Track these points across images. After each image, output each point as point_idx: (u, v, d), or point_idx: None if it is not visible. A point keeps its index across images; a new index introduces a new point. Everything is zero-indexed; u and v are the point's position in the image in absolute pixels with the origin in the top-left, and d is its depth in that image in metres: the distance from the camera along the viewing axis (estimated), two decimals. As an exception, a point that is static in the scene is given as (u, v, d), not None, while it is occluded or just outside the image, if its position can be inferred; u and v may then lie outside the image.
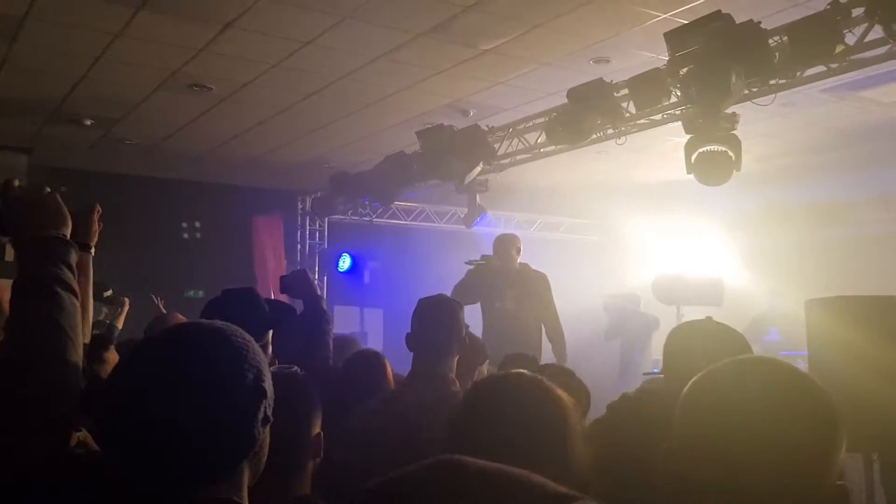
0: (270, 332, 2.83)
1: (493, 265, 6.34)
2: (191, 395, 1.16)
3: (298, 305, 3.22)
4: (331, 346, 3.18)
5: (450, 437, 1.60)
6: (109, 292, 4.89)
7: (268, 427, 1.24)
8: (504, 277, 6.25)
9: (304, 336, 3.14)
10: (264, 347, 2.64)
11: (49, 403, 1.42)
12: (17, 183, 1.67)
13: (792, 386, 1.28)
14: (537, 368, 3.22)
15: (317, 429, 1.88)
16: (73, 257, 1.60)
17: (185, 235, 9.87)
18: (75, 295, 1.55)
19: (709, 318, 2.39)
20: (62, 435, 1.46)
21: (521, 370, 1.80)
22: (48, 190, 1.67)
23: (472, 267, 6.41)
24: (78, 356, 1.50)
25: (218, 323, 1.28)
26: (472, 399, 1.68)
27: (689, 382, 1.35)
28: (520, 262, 6.37)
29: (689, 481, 1.26)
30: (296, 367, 2.14)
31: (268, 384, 1.24)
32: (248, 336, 1.27)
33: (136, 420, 1.16)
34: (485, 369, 3.54)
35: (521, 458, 1.44)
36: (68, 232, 1.64)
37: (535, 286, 6.25)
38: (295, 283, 3.34)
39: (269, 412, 1.23)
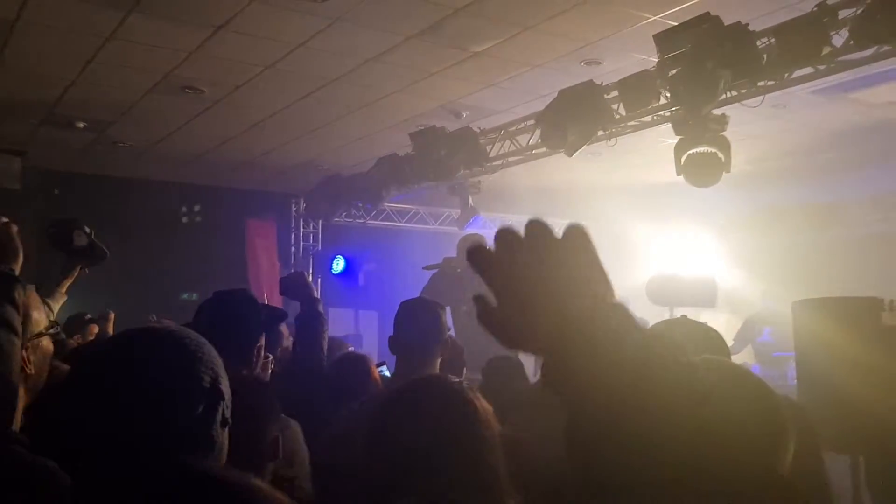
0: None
1: (455, 266, 6.28)
2: (145, 399, 1.16)
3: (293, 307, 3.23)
4: (325, 348, 3.18)
5: (365, 446, 1.59)
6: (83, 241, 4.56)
7: (226, 429, 1.25)
8: (468, 277, 6.20)
9: (299, 338, 3.14)
10: (258, 349, 2.64)
11: None
12: None
13: (737, 384, 1.29)
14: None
15: (274, 432, 1.90)
16: (19, 293, 1.58)
17: (185, 220, 9.88)
18: (15, 333, 1.54)
19: (684, 317, 2.39)
20: None
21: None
22: (3, 221, 1.66)
23: (434, 272, 6.35)
24: (8, 390, 1.49)
25: (172, 327, 1.30)
26: (386, 407, 1.66)
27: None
28: None
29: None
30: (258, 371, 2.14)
31: (224, 386, 1.24)
32: (202, 339, 1.27)
33: (92, 428, 1.16)
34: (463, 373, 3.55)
35: (429, 470, 1.45)
36: (18, 266, 1.63)
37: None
38: (292, 285, 3.33)
39: (228, 414, 1.24)
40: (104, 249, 3.36)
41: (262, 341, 2.69)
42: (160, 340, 1.25)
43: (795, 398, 3.74)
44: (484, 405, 1.64)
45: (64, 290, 3.55)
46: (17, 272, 1.62)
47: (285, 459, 2.19)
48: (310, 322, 3.17)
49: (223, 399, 1.23)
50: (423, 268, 6.42)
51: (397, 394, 1.71)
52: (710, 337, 2.25)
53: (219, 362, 1.26)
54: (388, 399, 1.70)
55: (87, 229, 3.47)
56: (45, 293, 2.87)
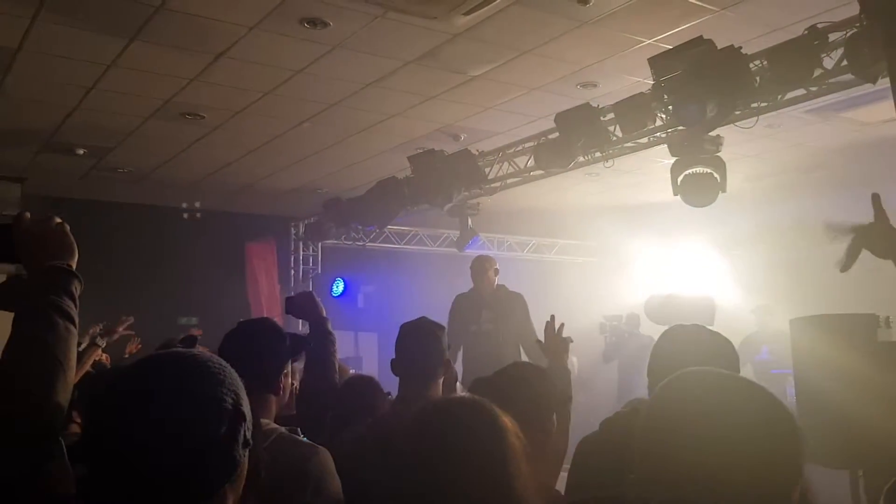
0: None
1: (474, 288, 6.34)
2: (168, 423, 1.19)
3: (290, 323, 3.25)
4: (336, 367, 3.18)
5: (392, 467, 1.59)
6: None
7: (248, 450, 1.27)
8: (479, 299, 6.26)
9: (309, 358, 3.15)
10: (286, 377, 2.65)
11: (28, 423, 1.44)
12: (27, 215, 1.72)
13: (748, 399, 1.28)
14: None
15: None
16: (76, 287, 1.64)
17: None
18: (73, 323, 1.58)
19: (695, 326, 2.37)
20: (37, 458, 1.46)
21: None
22: (58, 221, 1.72)
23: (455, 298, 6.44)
24: (65, 382, 1.51)
25: (192, 351, 1.33)
26: (412, 427, 1.66)
27: (644, 413, 1.35)
28: (497, 284, 6.37)
29: None
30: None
31: (246, 408, 1.27)
32: (223, 361, 1.31)
33: (116, 451, 1.18)
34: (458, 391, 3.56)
35: (459, 487, 1.47)
36: (74, 262, 1.68)
37: (511, 306, 6.24)
38: (301, 304, 3.32)
39: (249, 435, 1.27)
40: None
41: (289, 369, 2.70)
42: (183, 363, 1.28)
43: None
44: (506, 417, 1.65)
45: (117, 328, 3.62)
46: (73, 268, 1.67)
47: (312, 488, 2.20)
48: (320, 342, 3.17)
49: (245, 420, 1.26)
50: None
51: (429, 414, 1.70)
52: (720, 344, 2.27)
53: (240, 384, 1.29)
54: (421, 419, 1.69)
55: None
56: None
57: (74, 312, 1.60)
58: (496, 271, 6.38)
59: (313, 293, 3.40)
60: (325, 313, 3.29)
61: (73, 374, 1.55)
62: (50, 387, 1.47)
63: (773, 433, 1.24)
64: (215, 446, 1.21)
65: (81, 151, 7.73)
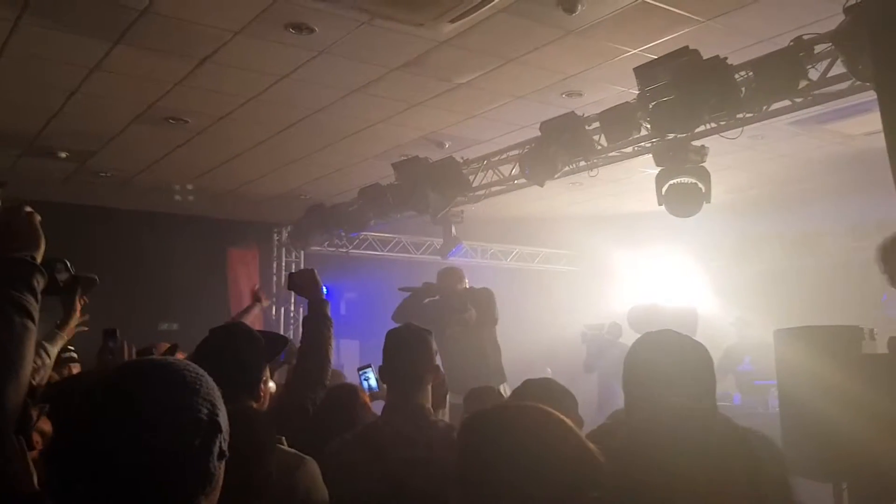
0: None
1: (435, 292, 6.25)
2: (143, 432, 1.16)
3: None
4: (331, 353, 3.10)
5: (463, 479, 1.54)
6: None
7: (223, 461, 1.24)
8: (448, 304, 6.15)
9: (305, 344, 3.09)
10: (265, 381, 2.61)
11: None
12: None
13: (717, 432, 1.36)
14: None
15: (269, 467, 1.88)
16: (38, 280, 1.57)
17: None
18: (31, 319, 1.52)
19: (668, 331, 2.35)
20: None
21: (527, 403, 1.76)
22: (27, 210, 1.65)
23: (408, 294, 6.34)
24: (18, 383, 1.46)
25: (169, 359, 1.29)
26: (488, 437, 1.60)
27: (620, 433, 1.42)
28: (465, 288, 6.31)
29: None
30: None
31: (222, 418, 1.24)
32: (200, 371, 1.27)
33: (89, 460, 1.16)
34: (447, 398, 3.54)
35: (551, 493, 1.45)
36: (39, 255, 1.62)
37: (480, 302, 6.15)
38: (302, 281, 3.25)
39: (225, 446, 1.24)
40: (90, 277, 3.31)
41: (267, 373, 2.67)
42: (156, 372, 1.24)
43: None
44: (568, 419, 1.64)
45: (66, 331, 3.52)
46: (38, 260, 1.60)
47: (299, 499, 2.16)
48: (316, 325, 3.10)
49: (220, 432, 1.23)
50: (399, 288, 6.39)
51: (493, 425, 1.64)
52: (693, 349, 2.26)
53: (217, 395, 1.26)
54: (489, 431, 1.62)
55: (66, 262, 3.41)
56: (43, 335, 2.82)
57: (34, 308, 1.54)
58: (463, 283, 6.31)
59: (315, 271, 3.29)
60: (324, 294, 3.20)
61: (27, 374, 1.49)
62: (1, 386, 1.42)
63: (729, 467, 1.31)
64: (188, 457, 1.18)
65: (64, 155, 7.65)
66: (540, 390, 2.88)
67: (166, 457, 1.16)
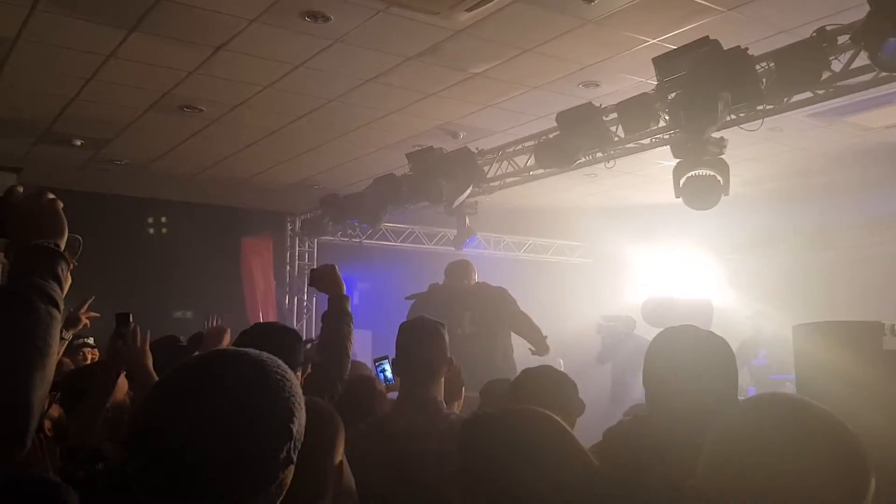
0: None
1: (447, 289, 6.15)
2: (215, 429, 1.14)
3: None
4: (350, 349, 3.06)
5: (463, 480, 1.55)
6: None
7: (289, 466, 1.21)
8: (459, 300, 6.03)
9: (323, 339, 3.07)
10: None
11: (3, 414, 1.37)
12: (20, 189, 1.64)
13: (821, 429, 1.29)
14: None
15: (339, 457, 1.85)
16: (62, 268, 1.55)
17: (151, 231, 9.74)
18: (56, 307, 1.49)
19: (690, 327, 2.29)
20: (15, 447, 1.40)
21: (529, 407, 1.76)
22: (50, 197, 1.63)
23: (413, 301, 6.15)
24: (46, 369, 1.43)
25: (263, 356, 1.25)
26: (486, 438, 1.63)
27: (719, 422, 1.36)
28: (475, 282, 6.18)
29: None
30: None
31: (297, 425, 1.21)
32: (288, 373, 1.24)
33: (156, 449, 1.15)
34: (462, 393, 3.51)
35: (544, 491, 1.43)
36: (62, 242, 1.60)
37: (493, 303, 6.03)
38: (322, 277, 3.22)
39: (294, 453, 1.21)
40: (73, 236, 3.31)
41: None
42: (248, 370, 1.22)
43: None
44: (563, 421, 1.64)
45: (81, 315, 3.52)
46: (62, 248, 1.58)
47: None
48: (336, 322, 3.06)
49: (291, 440, 1.20)
50: (406, 298, 6.31)
51: (489, 427, 1.65)
52: (716, 345, 2.22)
53: (298, 398, 1.23)
54: (487, 432, 1.64)
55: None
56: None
57: (59, 296, 1.51)
58: (473, 277, 6.21)
59: (336, 267, 3.25)
60: (345, 290, 3.17)
61: (53, 363, 1.46)
62: (27, 376, 1.40)
63: (841, 466, 1.27)
64: (255, 459, 1.16)
65: (79, 142, 7.67)
66: (538, 377, 2.89)
67: (233, 457, 1.14)
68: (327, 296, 3.20)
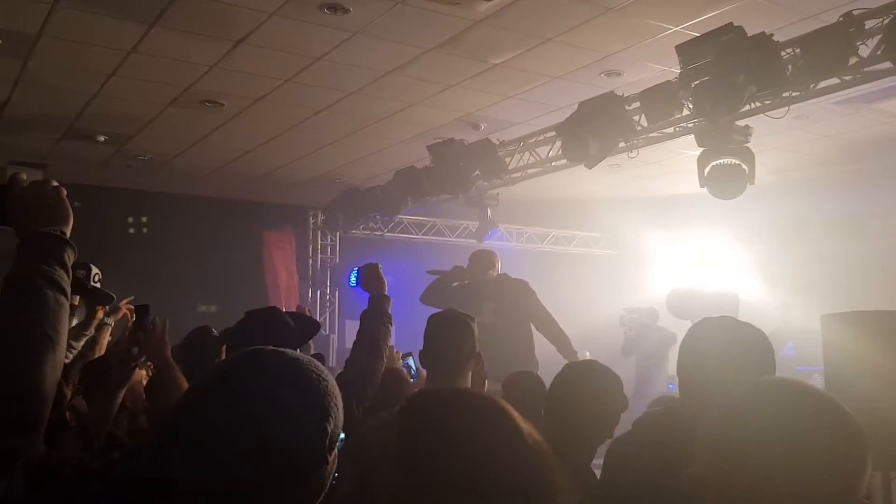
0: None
1: (467, 278, 6.10)
2: (248, 426, 1.14)
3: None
4: (386, 351, 3.03)
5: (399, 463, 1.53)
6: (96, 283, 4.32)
7: (325, 465, 1.21)
8: (480, 290, 5.98)
9: (359, 337, 3.04)
10: None
11: (14, 403, 1.36)
12: (24, 176, 1.63)
13: (818, 410, 1.27)
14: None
15: None
16: (69, 255, 1.54)
17: (132, 231, 9.69)
18: (64, 294, 1.49)
19: (727, 318, 2.27)
20: (29, 434, 1.40)
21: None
22: (54, 185, 1.62)
23: (436, 278, 6.14)
24: (56, 357, 1.43)
25: (300, 355, 1.25)
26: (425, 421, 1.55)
27: (714, 407, 1.34)
28: (498, 273, 6.16)
29: None
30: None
31: (333, 425, 1.20)
32: (325, 372, 1.24)
33: (194, 438, 1.15)
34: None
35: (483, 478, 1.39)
36: (68, 229, 1.59)
37: (514, 295, 5.97)
38: (364, 277, 3.19)
39: (329, 453, 1.21)
40: (108, 294, 3.59)
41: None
42: (291, 372, 1.22)
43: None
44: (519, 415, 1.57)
45: (88, 330, 3.66)
46: (67, 235, 1.57)
47: None
48: (374, 322, 3.03)
49: (328, 438, 1.20)
50: (428, 271, 6.30)
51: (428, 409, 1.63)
52: (754, 336, 2.18)
53: (336, 405, 1.22)
54: (421, 415, 1.62)
55: (91, 267, 3.60)
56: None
57: (66, 283, 1.50)
58: (496, 267, 6.17)
59: (378, 266, 3.20)
60: (385, 290, 3.12)
61: (63, 350, 1.46)
62: (38, 363, 1.39)
63: (839, 446, 1.24)
64: (290, 457, 1.16)
65: (102, 139, 7.72)
66: (582, 373, 2.81)
67: (264, 453, 1.13)
68: (368, 294, 3.16)
